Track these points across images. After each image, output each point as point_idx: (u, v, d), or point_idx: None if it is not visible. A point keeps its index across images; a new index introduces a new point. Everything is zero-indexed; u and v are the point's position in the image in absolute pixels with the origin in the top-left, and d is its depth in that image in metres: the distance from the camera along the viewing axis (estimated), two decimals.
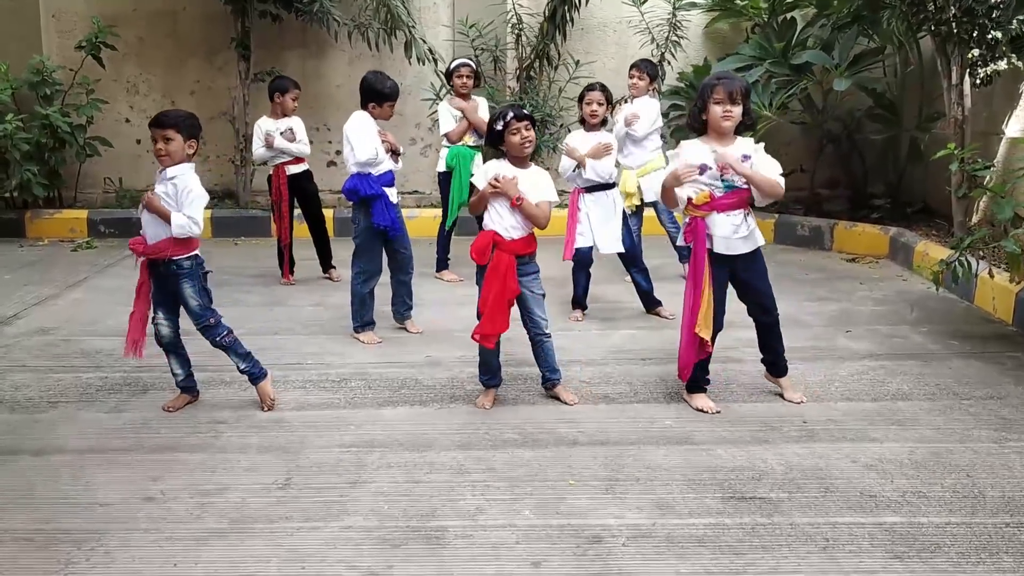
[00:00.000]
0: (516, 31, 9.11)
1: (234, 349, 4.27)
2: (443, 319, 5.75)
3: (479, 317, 4.25)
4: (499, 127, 4.22)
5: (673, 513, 3.30)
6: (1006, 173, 6.76)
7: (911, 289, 6.72)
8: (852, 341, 5.36)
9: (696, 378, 4.32)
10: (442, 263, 6.98)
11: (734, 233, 4.10)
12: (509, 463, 3.72)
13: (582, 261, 5.77)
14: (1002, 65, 6.75)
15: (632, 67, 6.56)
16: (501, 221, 4.23)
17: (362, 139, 5.19)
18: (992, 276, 5.70)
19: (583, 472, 3.64)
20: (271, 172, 6.80)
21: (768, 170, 4.11)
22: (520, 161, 4.29)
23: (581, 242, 5.67)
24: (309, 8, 8.62)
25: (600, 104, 5.62)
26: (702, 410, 4.27)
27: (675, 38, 9.02)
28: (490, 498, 3.42)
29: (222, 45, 9.10)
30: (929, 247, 7.11)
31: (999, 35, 6.55)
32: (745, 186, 4.09)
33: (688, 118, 4.29)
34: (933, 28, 6.84)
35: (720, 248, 4.11)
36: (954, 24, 6.61)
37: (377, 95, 5.28)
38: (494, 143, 4.33)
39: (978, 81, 6.89)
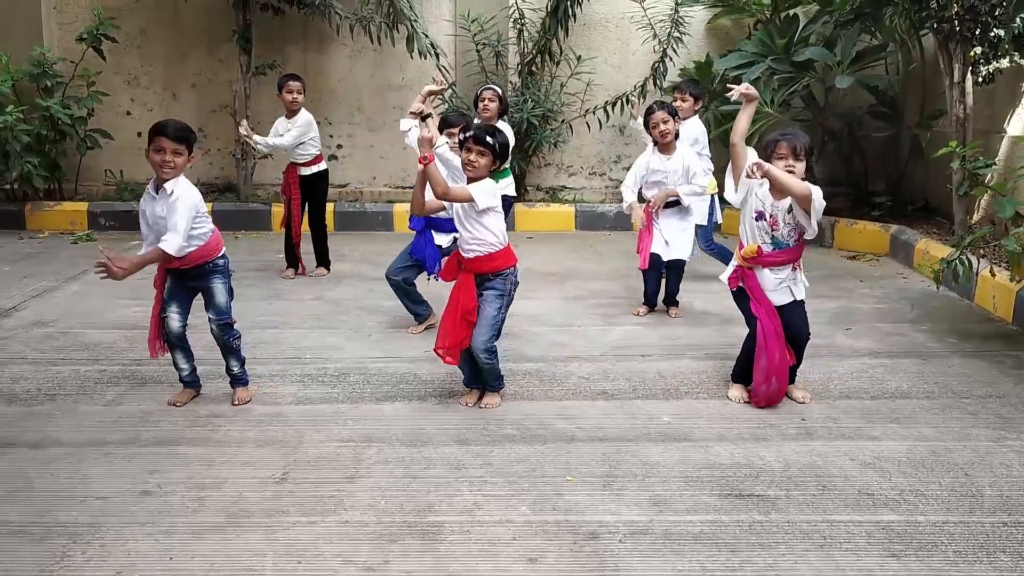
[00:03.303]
0: (518, 26, 9.09)
1: (237, 352, 4.32)
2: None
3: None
4: (460, 137, 4.18)
5: (670, 510, 3.30)
6: (1007, 171, 6.76)
7: (911, 287, 6.71)
8: (852, 339, 5.36)
9: (743, 368, 4.43)
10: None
11: (777, 286, 4.25)
12: (507, 459, 3.72)
13: (655, 264, 5.83)
14: (1004, 63, 6.74)
15: (675, 88, 6.64)
16: (462, 242, 4.23)
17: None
18: (993, 275, 5.69)
19: (581, 468, 3.63)
20: (286, 168, 6.79)
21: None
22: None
23: (656, 249, 5.77)
24: (311, 1, 8.61)
25: (665, 122, 5.61)
26: (732, 399, 4.39)
27: (677, 34, 9.00)
28: (487, 494, 3.41)
29: (223, 38, 9.09)
30: (930, 245, 7.10)
31: (1002, 33, 6.55)
32: (795, 243, 4.20)
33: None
34: (936, 25, 6.83)
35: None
36: (957, 22, 6.60)
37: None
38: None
39: (980, 79, 6.88)
